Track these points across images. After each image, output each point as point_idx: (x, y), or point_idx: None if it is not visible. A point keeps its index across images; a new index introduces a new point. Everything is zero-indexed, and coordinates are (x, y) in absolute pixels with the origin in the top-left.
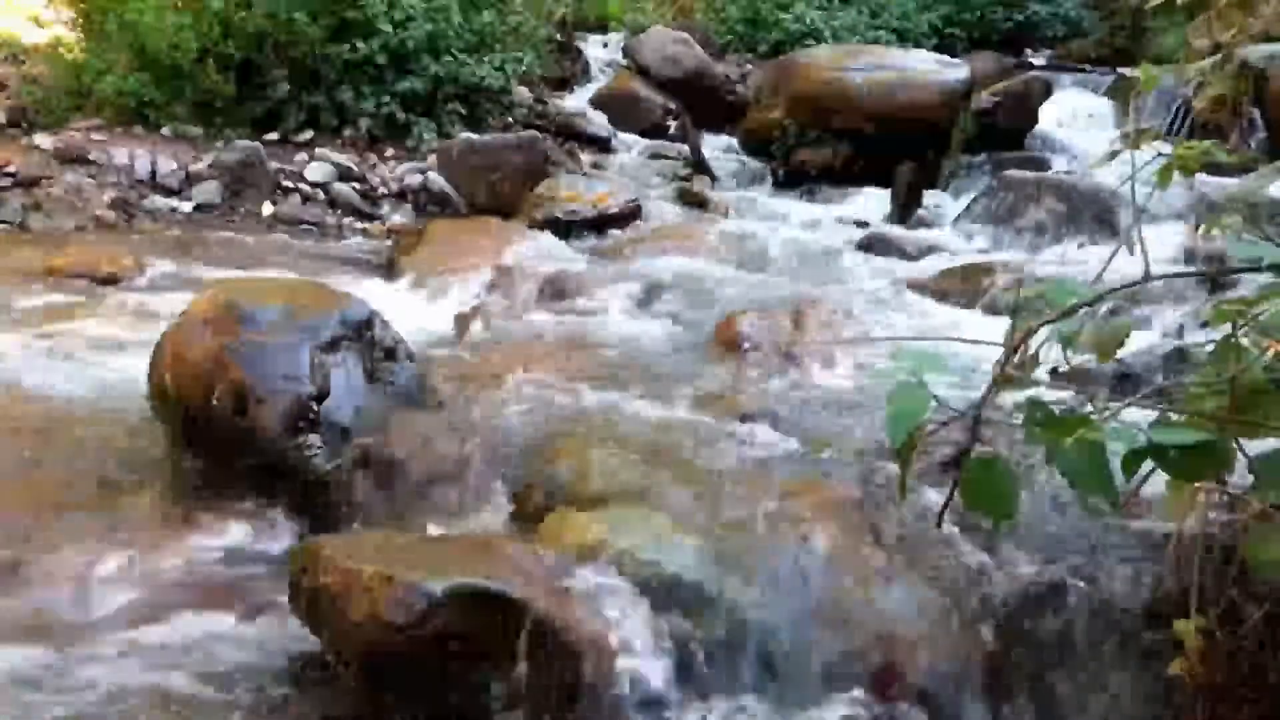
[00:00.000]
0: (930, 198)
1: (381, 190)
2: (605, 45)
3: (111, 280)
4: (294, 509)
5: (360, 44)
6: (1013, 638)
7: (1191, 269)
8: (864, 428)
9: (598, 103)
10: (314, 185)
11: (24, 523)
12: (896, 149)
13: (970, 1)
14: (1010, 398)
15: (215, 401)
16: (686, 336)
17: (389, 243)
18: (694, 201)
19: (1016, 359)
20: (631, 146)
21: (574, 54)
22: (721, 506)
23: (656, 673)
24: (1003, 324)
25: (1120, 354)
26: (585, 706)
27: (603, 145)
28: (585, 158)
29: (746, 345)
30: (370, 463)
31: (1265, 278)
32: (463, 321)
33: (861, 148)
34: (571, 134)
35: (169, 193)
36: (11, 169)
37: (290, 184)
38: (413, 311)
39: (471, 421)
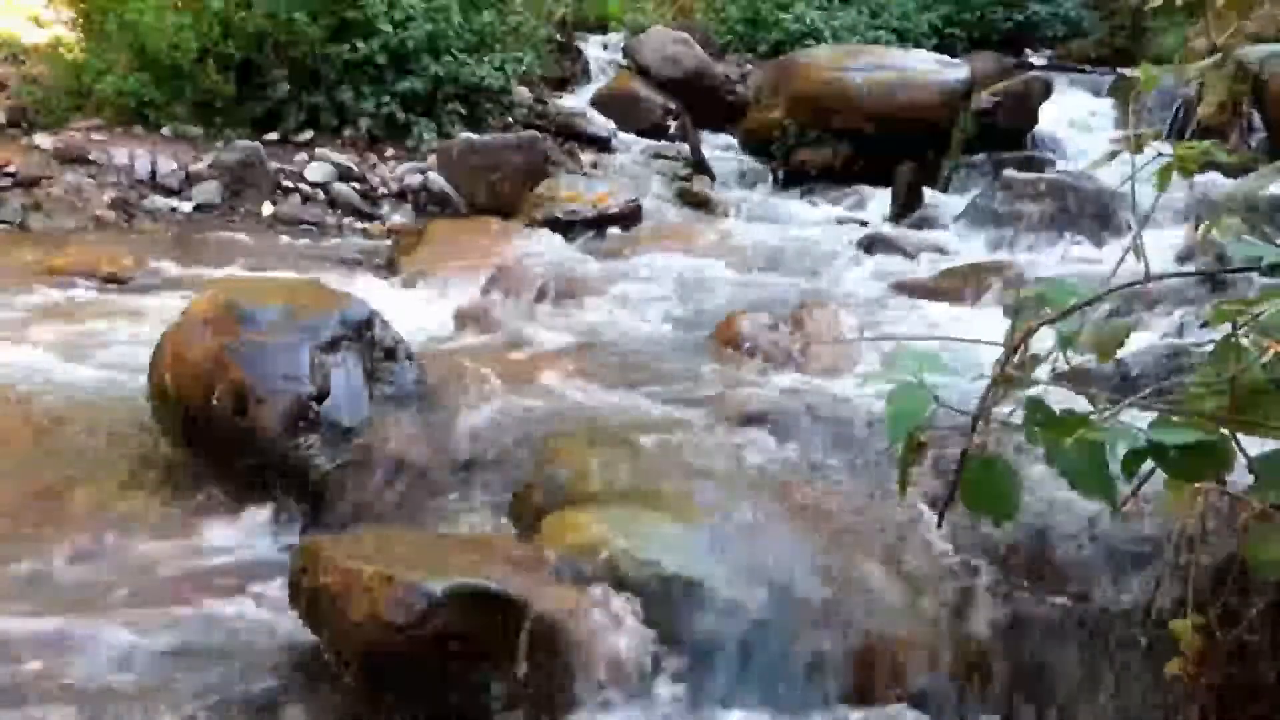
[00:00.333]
0: (930, 198)
1: (381, 190)
2: (605, 45)
3: (111, 280)
4: (294, 509)
5: (360, 44)
6: (1012, 638)
7: (1191, 269)
8: (864, 428)
9: (598, 103)
10: (314, 185)
11: (22, 522)
12: (896, 149)
13: (970, 1)
14: (1011, 398)
15: (215, 401)
16: (686, 336)
17: (389, 243)
18: (694, 201)
19: (1016, 359)
20: (631, 146)
21: (574, 54)
22: (721, 507)
23: (655, 672)
24: (1002, 324)
25: (1120, 354)
26: (584, 706)
27: (603, 145)
28: (585, 158)
29: (746, 345)
30: (370, 463)
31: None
32: (463, 321)
33: (861, 148)
34: (571, 134)
35: (169, 193)
36: (11, 169)
37: (290, 184)
38: (413, 311)
39: (471, 421)
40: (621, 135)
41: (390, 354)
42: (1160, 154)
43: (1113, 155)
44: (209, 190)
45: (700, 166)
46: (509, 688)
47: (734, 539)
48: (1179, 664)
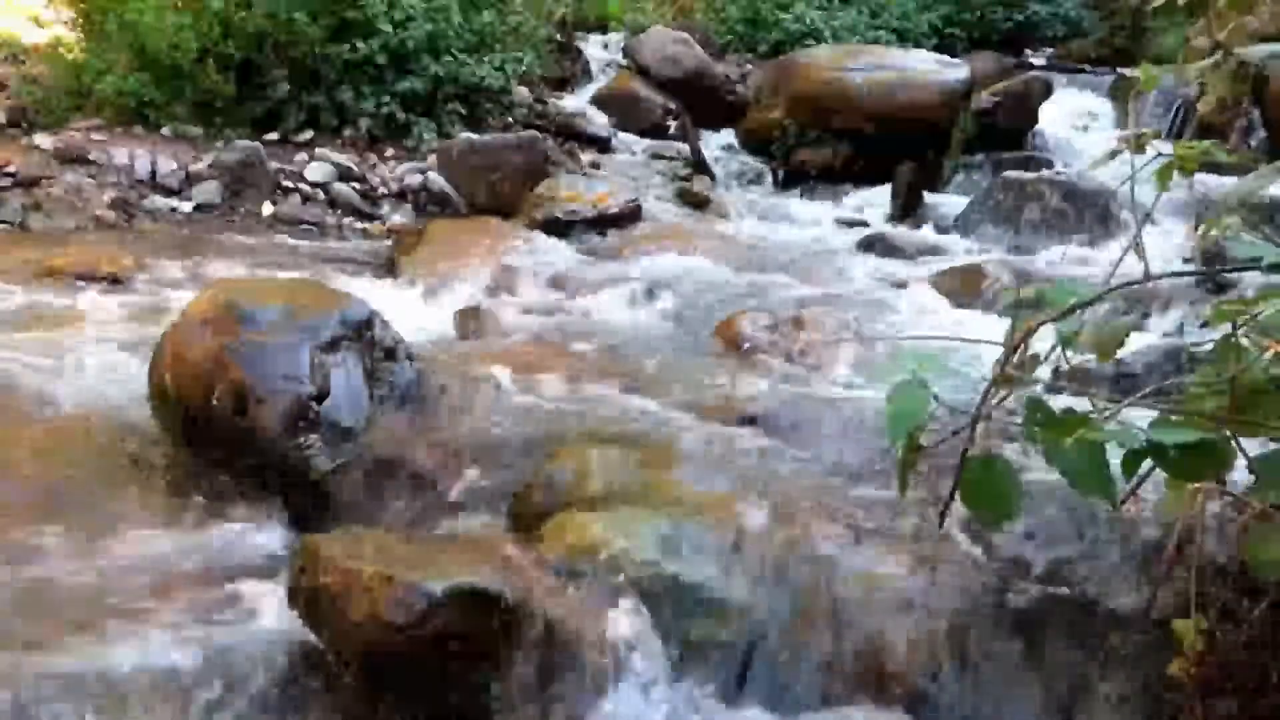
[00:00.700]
0: (930, 198)
1: (381, 190)
2: (605, 45)
3: (111, 280)
4: (294, 509)
5: (360, 44)
6: (1012, 638)
7: (1191, 269)
8: (864, 427)
9: (598, 103)
10: (314, 185)
11: (22, 522)
12: (896, 149)
13: (970, 1)
14: (1011, 397)
15: (215, 401)
16: (687, 336)
17: (389, 243)
18: (694, 201)
19: (1016, 359)
20: (631, 146)
21: (574, 54)
22: (722, 507)
23: (655, 673)
24: (1002, 324)
25: (1120, 354)
26: (584, 706)
27: (603, 145)
28: (585, 158)
29: (747, 345)
30: (370, 462)
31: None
32: (463, 321)
33: (861, 148)
34: (571, 134)
35: (169, 193)
36: (11, 169)
37: (290, 184)
38: (413, 311)
39: (471, 421)
40: (621, 135)
41: (390, 354)
42: (1160, 154)
43: (1113, 155)
44: (209, 190)
45: (700, 166)
46: (509, 688)
47: (735, 539)
48: (1179, 664)
